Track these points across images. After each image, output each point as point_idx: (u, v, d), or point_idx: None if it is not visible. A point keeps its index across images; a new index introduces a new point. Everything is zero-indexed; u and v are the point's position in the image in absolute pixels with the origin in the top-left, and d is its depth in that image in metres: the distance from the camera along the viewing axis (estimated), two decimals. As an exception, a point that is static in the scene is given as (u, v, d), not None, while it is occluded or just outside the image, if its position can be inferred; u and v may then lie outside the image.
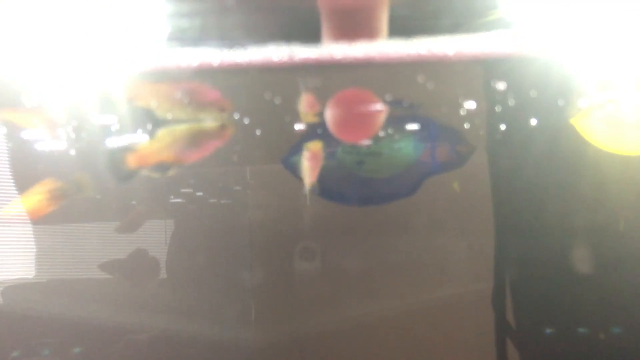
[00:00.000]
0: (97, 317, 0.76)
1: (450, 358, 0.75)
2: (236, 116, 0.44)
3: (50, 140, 0.51)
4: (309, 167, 0.52)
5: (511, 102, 0.51)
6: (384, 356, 0.77)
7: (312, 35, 0.34)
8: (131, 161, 0.47)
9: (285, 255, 0.77)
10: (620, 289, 0.58)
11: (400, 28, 0.36)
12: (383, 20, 0.35)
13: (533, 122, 0.54)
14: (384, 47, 0.34)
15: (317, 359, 0.78)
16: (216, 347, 0.78)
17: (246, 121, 0.47)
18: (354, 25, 0.34)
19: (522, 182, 0.61)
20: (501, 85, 0.47)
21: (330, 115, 0.41)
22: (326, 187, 0.57)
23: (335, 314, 0.77)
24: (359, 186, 0.57)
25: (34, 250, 0.80)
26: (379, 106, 0.40)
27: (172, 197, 0.76)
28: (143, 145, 0.47)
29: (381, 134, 0.53)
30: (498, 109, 0.52)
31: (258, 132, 0.49)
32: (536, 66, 0.44)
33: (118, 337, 0.78)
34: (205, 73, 0.36)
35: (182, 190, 0.76)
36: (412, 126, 0.54)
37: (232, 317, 0.78)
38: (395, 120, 0.53)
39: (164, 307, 0.79)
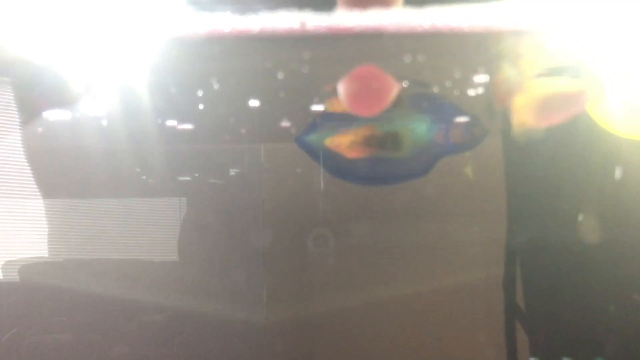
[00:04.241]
0: (111, 296, 0.77)
1: (460, 341, 0.75)
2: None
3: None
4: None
5: (525, 83, 0.50)
6: (395, 338, 0.77)
7: (325, 3, 0.34)
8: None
9: (299, 237, 0.77)
10: (634, 277, 0.58)
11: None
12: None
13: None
14: (397, 16, 0.34)
15: (329, 341, 0.78)
16: (228, 329, 0.78)
17: (261, 95, 0.47)
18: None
19: (536, 166, 0.61)
20: (514, 64, 0.47)
21: (343, 87, 0.41)
22: (339, 165, 0.57)
23: (347, 297, 0.77)
24: (372, 165, 0.57)
25: (51, 228, 0.81)
26: (391, 80, 0.40)
27: (185, 175, 0.77)
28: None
29: (395, 113, 0.53)
30: (511, 90, 0.51)
31: (274, 107, 0.49)
32: (552, 45, 0.44)
33: (131, 317, 0.78)
34: (217, 41, 0.36)
35: (196, 168, 0.76)
36: (427, 106, 0.53)
37: (244, 299, 0.79)
38: (410, 100, 0.53)
39: (177, 288, 0.80)
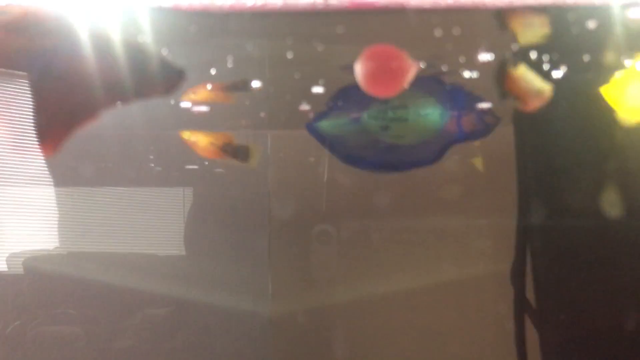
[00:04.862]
0: (115, 289, 0.77)
1: (467, 335, 0.74)
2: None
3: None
4: None
5: (541, 68, 0.50)
6: (401, 332, 0.76)
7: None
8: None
9: (305, 230, 0.77)
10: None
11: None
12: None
13: (561, 92, 0.53)
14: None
15: (334, 333, 0.78)
16: (233, 322, 0.78)
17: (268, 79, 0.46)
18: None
19: (547, 156, 0.60)
20: (532, 48, 0.46)
21: (360, 67, 0.40)
22: (350, 152, 0.57)
23: (352, 290, 0.76)
24: (383, 152, 0.56)
25: (55, 221, 0.81)
26: (409, 60, 0.40)
27: (190, 164, 0.76)
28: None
29: (408, 99, 0.53)
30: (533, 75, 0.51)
31: (282, 92, 0.49)
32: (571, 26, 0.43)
33: (136, 310, 0.78)
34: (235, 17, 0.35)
35: (200, 158, 0.76)
36: (440, 92, 0.53)
37: (249, 292, 0.78)
38: (423, 85, 0.52)
39: (182, 281, 0.80)
